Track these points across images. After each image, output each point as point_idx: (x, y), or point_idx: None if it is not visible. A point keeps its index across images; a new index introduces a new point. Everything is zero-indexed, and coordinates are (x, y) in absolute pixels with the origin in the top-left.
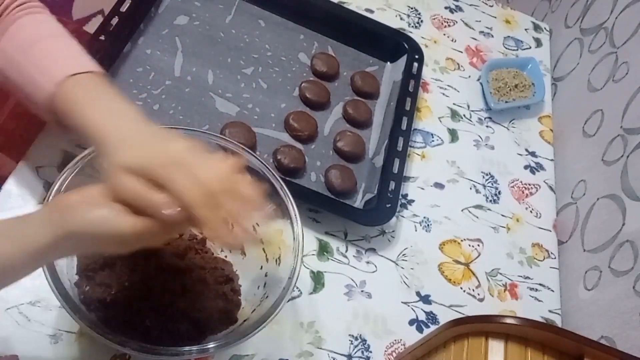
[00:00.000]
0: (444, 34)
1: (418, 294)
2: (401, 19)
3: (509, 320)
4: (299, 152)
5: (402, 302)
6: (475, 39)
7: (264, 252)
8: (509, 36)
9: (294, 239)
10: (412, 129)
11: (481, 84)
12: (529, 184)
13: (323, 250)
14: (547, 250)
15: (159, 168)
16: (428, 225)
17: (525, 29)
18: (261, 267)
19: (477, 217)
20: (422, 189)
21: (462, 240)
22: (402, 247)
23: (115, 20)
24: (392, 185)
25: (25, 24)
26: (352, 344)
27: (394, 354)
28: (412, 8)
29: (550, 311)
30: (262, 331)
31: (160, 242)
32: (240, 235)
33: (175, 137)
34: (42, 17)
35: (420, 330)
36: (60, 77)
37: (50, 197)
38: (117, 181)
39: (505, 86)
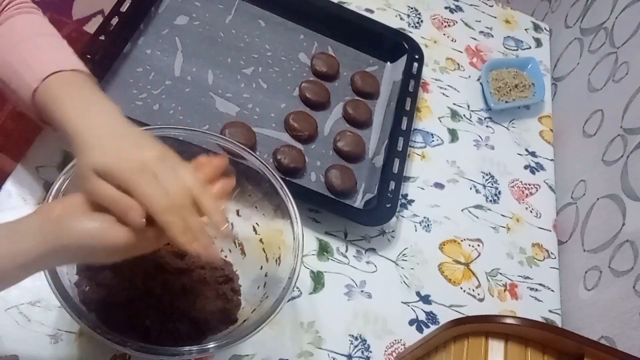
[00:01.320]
0: (444, 34)
1: (418, 294)
2: (401, 19)
3: (509, 320)
4: (299, 152)
5: (402, 302)
6: (475, 39)
7: (264, 252)
8: (509, 36)
9: (294, 239)
10: (412, 129)
11: (481, 84)
12: (529, 184)
13: (323, 250)
14: (547, 250)
15: (127, 173)
16: (428, 225)
17: (525, 29)
18: (261, 267)
19: (477, 217)
20: (422, 189)
21: (462, 240)
22: (402, 247)
23: (115, 20)
24: (392, 185)
25: (16, 22)
26: (352, 344)
27: (394, 354)
28: (412, 8)
29: (550, 311)
30: (262, 331)
31: (153, 250)
32: (199, 250)
33: (149, 142)
34: (33, 17)
35: (420, 330)
36: (44, 73)
37: (50, 197)
38: (87, 184)
39: (505, 86)
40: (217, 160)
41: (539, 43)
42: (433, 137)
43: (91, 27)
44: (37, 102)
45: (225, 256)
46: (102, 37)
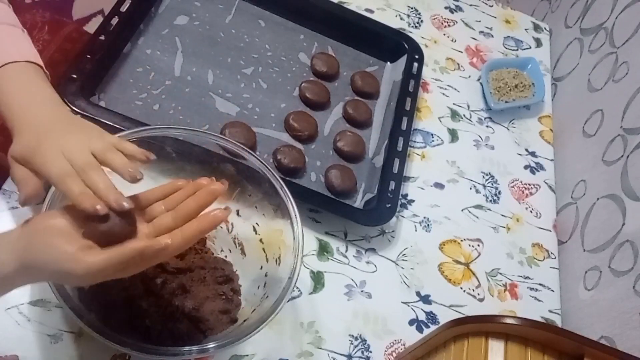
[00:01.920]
0: (444, 34)
1: (418, 294)
2: (401, 19)
3: (509, 320)
4: (299, 152)
5: (402, 302)
6: (475, 39)
7: (264, 252)
8: (509, 36)
9: (294, 239)
10: (412, 129)
11: (481, 84)
12: (529, 184)
13: (323, 250)
14: (547, 250)
15: (31, 153)
16: (428, 225)
17: (525, 29)
18: (261, 267)
19: (477, 217)
20: (422, 189)
21: (462, 240)
22: (402, 247)
23: (115, 20)
24: (392, 185)
25: None
26: (352, 344)
27: (394, 354)
28: (412, 8)
29: (550, 311)
30: (262, 331)
31: (123, 276)
32: (97, 204)
33: (78, 126)
34: None
35: (420, 330)
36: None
37: (50, 198)
38: (11, 171)
39: (505, 86)
40: (216, 186)
41: (539, 43)
42: (433, 137)
43: (91, 27)
44: None
45: (225, 256)
46: (102, 37)
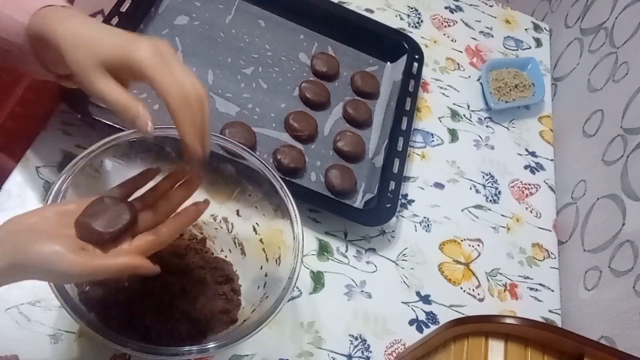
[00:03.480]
0: (444, 34)
1: (418, 294)
2: (401, 19)
3: (509, 320)
4: (299, 152)
5: (402, 302)
6: (475, 39)
7: (264, 252)
8: (509, 36)
9: (294, 239)
10: (412, 129)
11: (481, 84)
12: (529, 184)
13: (323, 250)
14: (547, 250)
15: (145, 61)
16: (428, 225)
17: (525, 29)
18: (261, 267)
19: (477, 217)
20: (422, 189)
21: (462, 240)
22: (402, 247)
23: (115, 20)
24: (392, 185)
25: None
26: (352, 344)
27: (394, 354)
28: (412, 8)
29: (550, 311)
30: (262, 331)
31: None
32: (199, 150)
33: (151, 37)
34: None
35: (420, 330)
36: (33, 9)
37: (50, 198)
38: (95, 85)
39: (505, 86)
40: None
41: (539, 43)
42: (433, 137)
43: None
44: (28, 37)
45: (225, 256)
46: None
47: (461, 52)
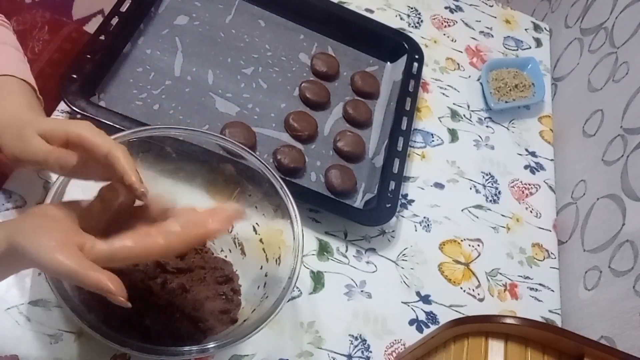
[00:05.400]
0: (444, 34)
1: (418, 294)
2: (401, 19)
3: (509, 320)
4: (299, 152)
5: (402, 302)
6: (475, 39)
7: (264, 252)
8: (509, 36)
9: (294, 239)
10: (412, 129)
11: (481, 84)
12: (529, 184)
13: (323, 250)
14: (547, 250)
15: (71, 125)
16: (428, 225)
17: (525, 29)
18: (261, 267)
19: (477, 217)
20: (422, 189)
21: (462, 240)
22: (402, 247)
23: (115, 20)
24: (392, 185)
25: None
26: (352, 344)
27: (394, 354)
28: (412, 8)
29: (550, 311)
30: (262, 331)
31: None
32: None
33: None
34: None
35: (420, 330)
36: None
37: (50, 198)
38: (29, 143)
39: (505, 86)
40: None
41: (539, 43)
42: (433, 137)
43: (91, 27)
44: None
45: (225, 256)
46: (102, 37)
47: (461, 52)
